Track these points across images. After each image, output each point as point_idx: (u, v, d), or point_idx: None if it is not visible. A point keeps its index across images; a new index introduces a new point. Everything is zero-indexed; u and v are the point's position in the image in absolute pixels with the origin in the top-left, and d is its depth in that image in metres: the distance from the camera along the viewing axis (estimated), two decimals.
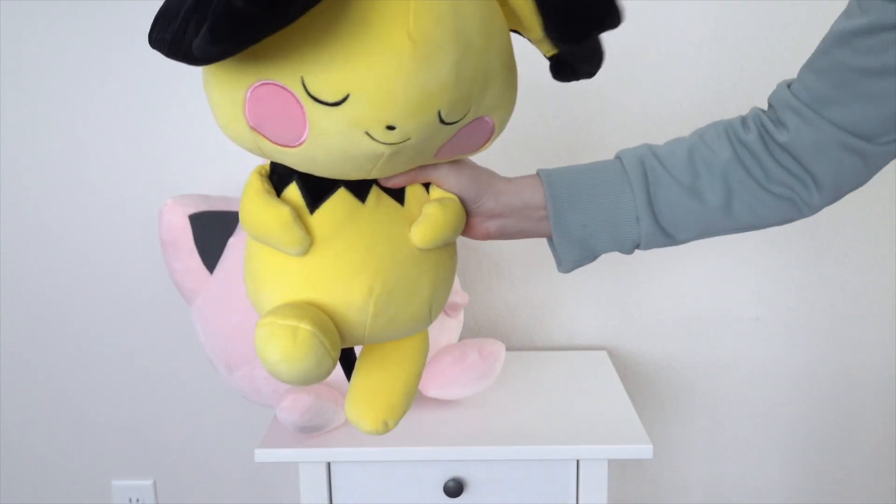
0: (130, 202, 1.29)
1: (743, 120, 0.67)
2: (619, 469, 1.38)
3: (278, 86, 0.52)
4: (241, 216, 0.60)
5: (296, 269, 0.59)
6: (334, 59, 0.50)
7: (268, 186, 0.60)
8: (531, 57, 0.66)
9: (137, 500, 1.41)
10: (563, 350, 1.31)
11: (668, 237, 0.68)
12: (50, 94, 1.25)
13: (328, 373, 0.57)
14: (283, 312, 0.55)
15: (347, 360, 0.70)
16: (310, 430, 0.95)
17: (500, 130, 0.63)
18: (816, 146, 0.62)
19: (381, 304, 0.59)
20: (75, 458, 1.41)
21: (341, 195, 0.59)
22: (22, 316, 1.34)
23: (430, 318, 0.64)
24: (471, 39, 0.53)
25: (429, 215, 0.61)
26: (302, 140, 0.54)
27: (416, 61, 0.50)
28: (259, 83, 0.53)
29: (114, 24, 1.22)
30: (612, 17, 0.55)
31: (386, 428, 0.64)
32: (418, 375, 0.67)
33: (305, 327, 0.54)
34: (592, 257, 0.69)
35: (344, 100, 0.51)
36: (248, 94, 0.53)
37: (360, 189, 0.60)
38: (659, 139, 0.72)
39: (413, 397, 0.66)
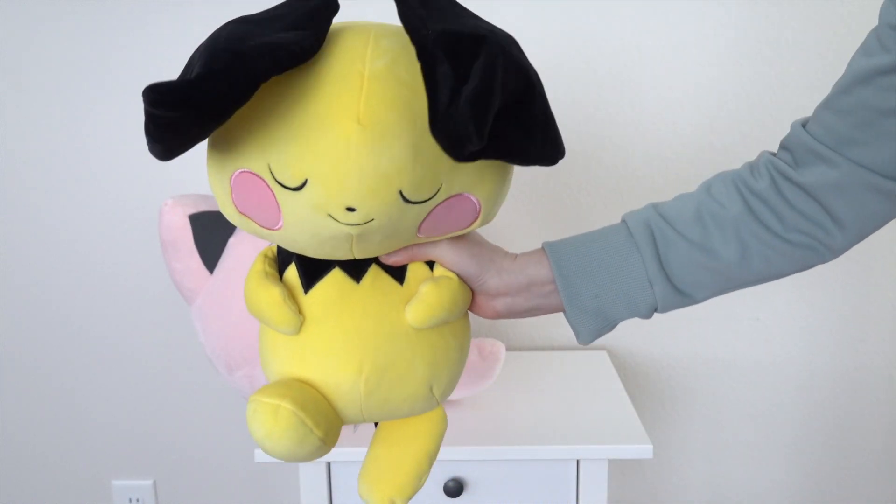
0: (130, 202, 1.29)
1: (752, 167, 0.64)
2: (619, 469, 1.38)
3: (252, 173, 0.55)
4: (244, 300, 0.63)
5: (289, 348, 0.61)
6: (292, 146, 0.53)
7: (268, 268, 0.62)
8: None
9: (137, 500, 1.41)
10: (563, 350, 1.31)
11: (686, 297, 0.66)
12: (50, 94, 1.25)
13: (317, 451, 0.59)
14: (268, 391, 0.58)
15: None
16: None
17: (491, 207, 0.62)
18: (839, 187, 0.59)
19: (372, 384, 0.60)
20: (75, 458, 1.41)
21: (335, 276, 0.61)
22: (22, 316, 1.34)
23: (433, 398, 0.64)
24: (425, 116, 0.53)
25: (422, 294, 0.61)
26: (280, 224, 0.57)
27: (365, 145, 0.52)
28: (238, 171, 0.56)
29: (114, 24, 1.22)
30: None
31: None
32: (431, 456, 0.67)
33: (286, 406, 0.56)
34: (611, 326, 0.67)
35: (304, 184, 0.53)
36: (231, 182, 0.57)
37: (356, 268, 0.61)
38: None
39: (424, 477, 0.66)
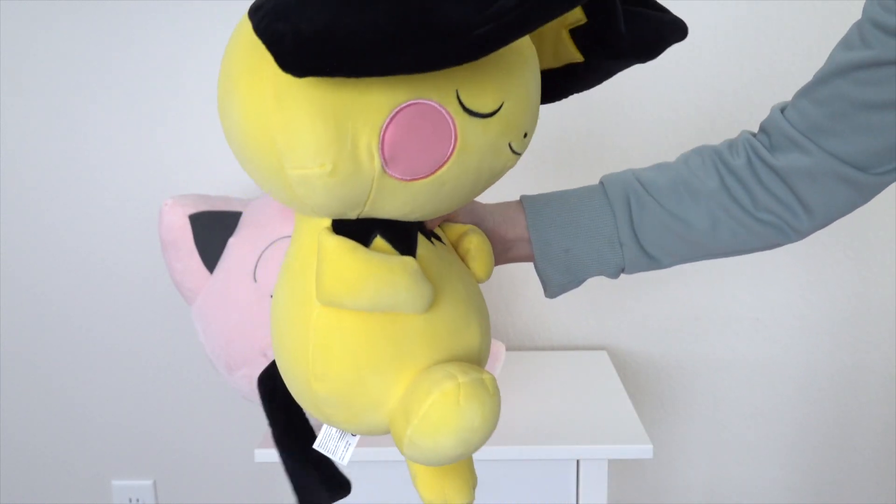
0: (130, 202, 1.29)
1: (731, 144, 0.66)
2: (619, 469, 1.38)
3: (428, 104, 0.47)
4: (336, 285, 0.50)
5: (417, 329, 0.52)
6: (491, 71, 0.49)
7: (352, 244, 0.51)
8: None
9: (137, 500, 1.41)
10: (563, 350, 1.31)
11: (653, 261, 0.68)
12: (50, 94, 1.25)
13: (492, 426, 0.56)
14: (458, 369, 0.50)
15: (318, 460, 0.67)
16: None
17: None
18: (810, 174, 0.61)
19: (486, 342, 0.58)
20: (75, 458, 1.41)
21: (422, 242, 0.55)
22: (22, 316, 1.34)
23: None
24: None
25: (479, 250, 0.60)
26: (441, 164, 0.49)
27: (538, 76, 0.53)
28: (405, 104, 0.46)
29: (114, 24, 1.22)
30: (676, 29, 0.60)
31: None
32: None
33: (489, 376, 0.51)
34: (578, 282, 0.69)
35: (499, 109, 0.49)
36: (389, 120, 0.46)
37: (421, 231, 0.56)
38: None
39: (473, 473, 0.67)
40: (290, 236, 1.06)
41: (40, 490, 1.42)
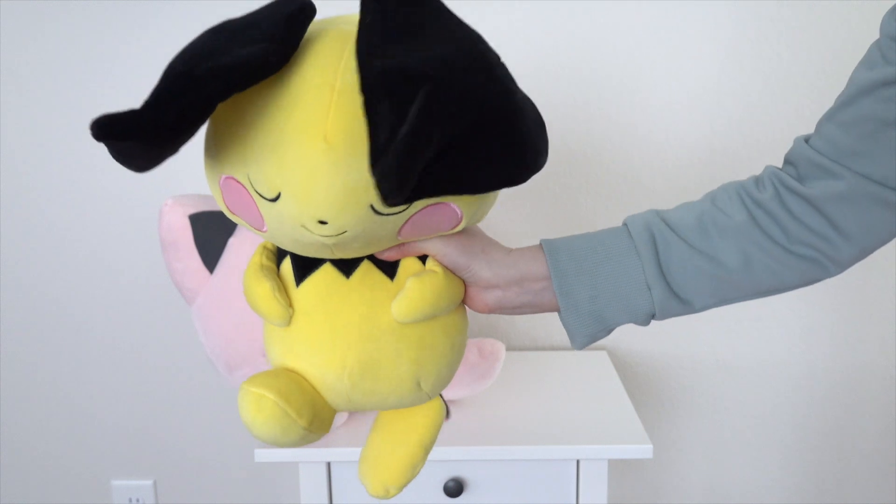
0: (130, 202, 1.29)
1: (756, 179, 0.63)
2: (619, 469, 1.38)
3: (235, 180, 0.57)
4: (244, 292, 0.65)
5: (281, 339, 0.63)
6: (266, 160, 0.54)
7: (266, 261, 0.64)
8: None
9: (137, 500, 1.41)
10: (563, 350, 1.31)
11: (684, 304, 0.65)
12: (50, 93, 1.25)
13: (303, 438, 0.62)
14: (256, 380, 0.61)
15: None
16: None
17: (474, 212, 0.61)
18: (844, 199, 0.59)
19: (356, 377, 0.61)
20: (75, 458, 1.41)
21: (326, 270, 0.62)
22: (22, 316, 1.35)
23: (421, 392, 0.64)
24: None
25: (406, 290, 0.61)
26: (265, 228, 0.58)
27: (331, 163, 0.52)
28: (224, 177, 0.58)
29: (114, 24, 1.22)
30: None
31: (386, 494, 0.66)
32: (426, 447, 0.67)
33: (270, 397, 0.59)
34: (607, 331, 0.65)
35: (278, 197, 0.54)
36: (220, 185, 0.59)
37: (347, 264, 0.62)
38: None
39: (419, 467, 0.67)
40: None
41: (40, 490, 1.42)
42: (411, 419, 0.68)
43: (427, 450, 0.68)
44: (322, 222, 0.54)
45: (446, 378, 0.67)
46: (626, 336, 1.31)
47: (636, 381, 1.33)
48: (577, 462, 0.98)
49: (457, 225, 0.61)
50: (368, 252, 0.61)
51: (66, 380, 1.37)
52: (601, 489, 0.98)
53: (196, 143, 1.29)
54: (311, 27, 0.56)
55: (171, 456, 1.40)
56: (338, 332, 0.61)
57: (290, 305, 0.62)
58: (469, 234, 0.64)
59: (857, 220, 0.59)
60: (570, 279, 0.63)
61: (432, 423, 0.68)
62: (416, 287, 0.61)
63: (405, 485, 0.67)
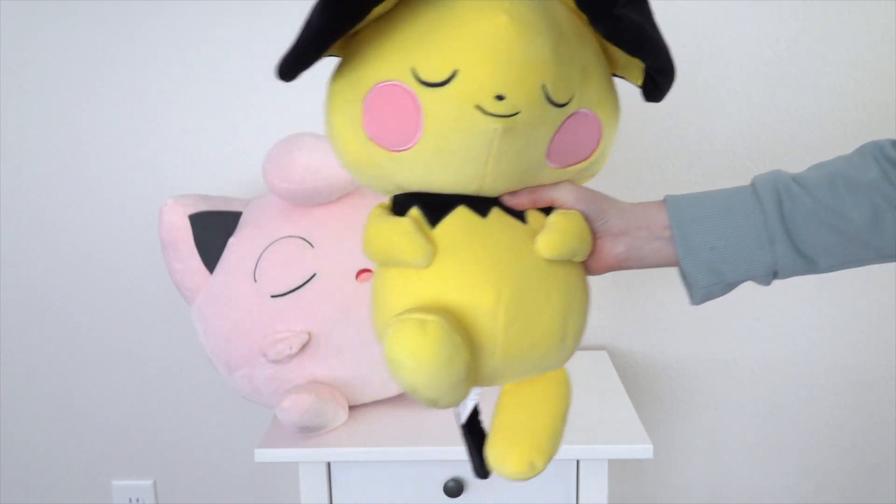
0: (130, 202, 1.29)
1: (893, 140, 0.62)
2: (619, 469, 1.38)
3: (391, 84, 0.55)
4: (364, 245, 0.61)
5: (421, 280, 0.57)
6: (439, 40, 0.54)
7: (386, 212, 0.62)
8: None
9: (137, 500, 1.41)
10: None
11: (808, 262, 0.63)
12: (50, 93, 1.25)
13: (461, 381, 0.54)
14: (410, 311, 0.54)
15: (473, 431, 0.67)
16: (310, 430, 0.95)
17: (609, 136, 0.63)
18: None
19: (512, 312, 0.57)
20: (75, 458, 1.41)
21: (461, 211, 0.59)
22: (22, 316, 1.35)
23: (565, 342, 0.63)
24: (564, 31, 0.56)
25: (553, 223, 0.60)
26: (417, 137, 0.56)
27: (516, 34, 0.52)
28: (374, 87, 0.56)
29: (114, 24, 1.22)
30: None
31: (533, 470, 0.59)
32: (563, 417, 0.64)
33: (434, 319, 0.52)
34: (725, 285, 0.64)
35: (452, 77, 0.53)
36: (365, 104, 0.57)
37: (480, 206, 0.60)
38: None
39: (560, 439, 0.63)
40: (289, 236, 1.07)
41: (40, 490, 1.42)
42: (542, 390, 0.65)
43: (565, 420, 0.65)
44: (499, 98, 0.53)
45: (584, 326, 0.65)
46: (626, 336, 1.31)
47: (636, 381, 1.33)
48: (577, 462, 0.98)
49: (594, 150, 0.62)
50: (516, 174, 0.59)
51: (66, 380, 1.37)
52: (601, 489, 0.98)
53: (194, 144, 1.29)
54: None
55: (171, 456, 1.40)
56: (490, 265, 0.57)
57: (431, 242, 0.57)
58: (593, 190, 0.65)
59: None
60: (691, 228, 0.62)
61: (565, 390, 0.67)
62: (561, 222, 0.61)
63: (552, 457, 0.62)
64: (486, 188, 0.59)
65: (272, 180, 0.98)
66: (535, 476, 0.59)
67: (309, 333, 0.96)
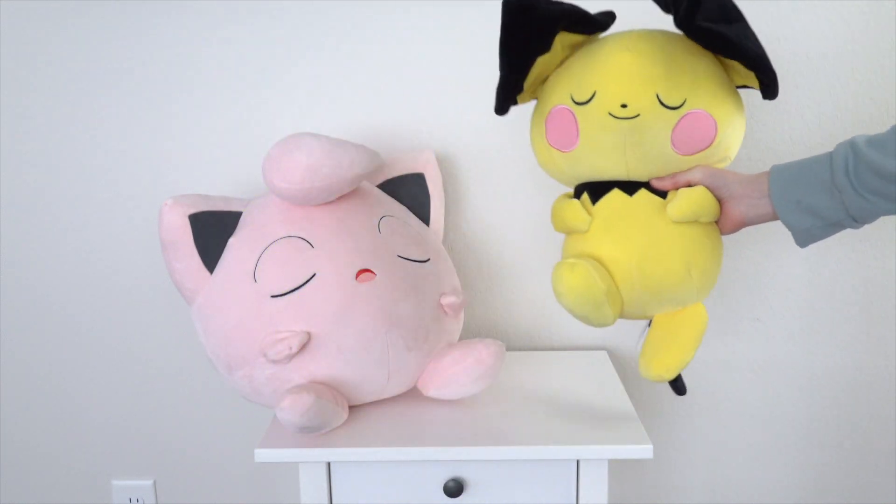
0: (130, 202, 1.29)
1: None
2: (619, 469, 1.38)
3: (559, 108, 0.89)
4: (552, 220, 0.97)
5: (584, 239, 0.91)
6: (587, 75, 0.87)
7: (568, 196, 0.95)
8: None
9: (137, 500, 1.41)
10: (563, 350, 1.31)
11: (874, 204, 0.78)
12: (49, 93, 1.25)
13: (600, 304, 0.85)
14: (567, 258, 0.88)
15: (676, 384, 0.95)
16: (310, 430, 0.95)
17: (727, 129, 0.87)
18: None
19: (642, 260, 0.87)
20: (75, 458, 1.41)
21: (614, 193, 0.90)
22: (22, 316, 1.35)
23: (690, 278, 0.88)
24: (675, 53, 0.85)
25: (678, 195, 0.87)
26: (577, 141, 0.88)
27: (633, 61, 0.84)
28: (551, 110, 0.90)
29: (114, 24, 1.22)
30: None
31: (661, 378, 0.89)
32: (696, 342, 0.89)
33: (579, 262, 0.85)
34: (825, 225, 0.82)
35: (592, 96, 0.86)
36: (546, 123, 0.91)
37: (630, 188, 0.89)
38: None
39: (688, 359, 0.89)
40: (289, 236, 1.08)
41: (40, 490, 1.43)
42: (681, 321, 0.90)
43: (696, 345, 0.89)
44: (623, 106, 0.84)
45: (711, 272, 0.90)
46: (626, 336, 1.31)
47: (636, 381, 1.33)
48: (577, 462, 0.98)
49: (714, 138, 0.86)
50: (651, 163, 0.87)
51: (66, 380, 1.37)
52: (601, 489, 0.98)
53: (194, 144, 1.29)
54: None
55: (171, 456, 1.40)
56: (628, 230, 0.88)
57: (591, 215, 0.90)
58: (718, 169, 0.89)
59: None
60: (782, 188, 0.83)
61: (700, 323, 0.90)
62: (685, 193, 0.87)
63: (677, 373, 0.89)
64: (632, 173, 0.88)
65: (272, 180, 0.99)
66: (663, 381, 0.91)
67: (309, 333, 0.96)
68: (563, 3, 0.87)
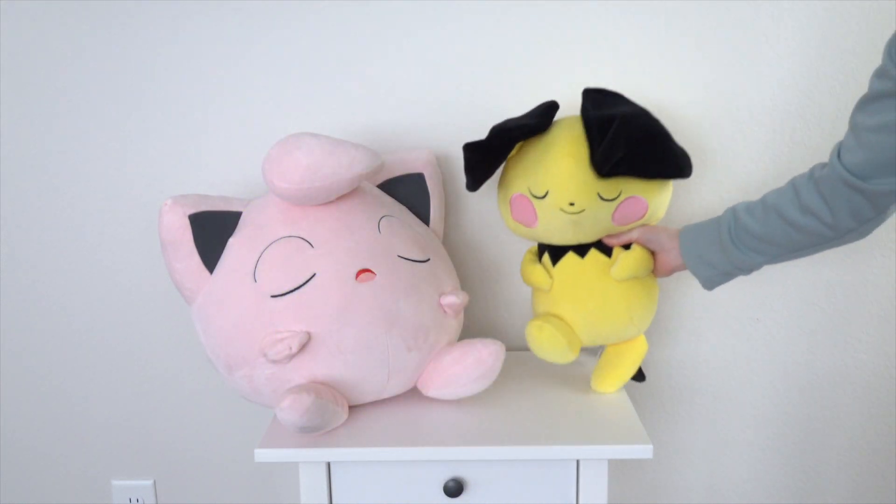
0: (130, 202, 1.29)
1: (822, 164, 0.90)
2: (619, 469, 1.38)
3: (519, 195, 1.07)
4: (521, 275, 1.16)
5: (547, 297, 1.11)
6: (542, 173, 1.04)
7: (533, 257, 1.14)
8: None
9: (137, 500, 1.41)
10: None
11: (753, 260, 0.97)
12: (50, 93, 1.25)
13: (564, 353, 1.08)
14: (538, 317, 1.11)
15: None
16: (310, 430, 0.95)
17: (656, 207, 1.07)
18: (832, 185, 0.85)
19: (593, 315, 1.08)
20: (75, 458, 1.41)
21: (570, 255, 1.09)
22: (22, 316, 1.35)
23: (633, 324, 1.10)
24: None
25: (620, 259, 1.07)
26: (536, 222, 1.07)
27: (575, 168, 1.03)
28: (513, 195, 1.08)
29: (114, 25, 1.22)
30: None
31: (606, 392, 1.11)
32: (634, 365, 1.12)
33: (545, 324, 1.07)
34: (720, 274, 1.01)
35: (546, 194, 1.04)
36: (511, 202, 1.09)
37: (581, 251, 1.08)
38: None
39: (629, 376, 1.12)
40: (289, 236, 1.08)
41: (40, 490, 1.43)
42: (626, 352, 1.11)
43: (635, 368, 1.12)
44: (571, 204, 1.03)
45: (648, 314, 1.11)
46: None
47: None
48: (577, 462, 0.98)
49: (645, 214, 1.06)
50: (597, 235, 1.07)
51: (66, 380, 1.37)
52: (601, 489, 0.98)
53: (194, 144, 1.29)
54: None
55: (171, 456, 1.40)
56: (581, 289, 1.08)
57: (552, 277, 1.10)
58: (657, 227, 1.07)
59: (840, 201, 0.87)
60: (688, 245, 1.02)
61: (641, 352, 1.12)
62: (625, 257, 1.07)
63: (620, 387, 1.11)
64: (582, 240, 1.07)
65: (272, 180, 0.98)
66: (608, 393, 1.11)
67: (309, 333, 0.96)
68: (511, 129, 1.04)
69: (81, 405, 1.38)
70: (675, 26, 1.19)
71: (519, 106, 1.21)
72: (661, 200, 1.07)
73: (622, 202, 1.03)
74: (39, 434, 1.40)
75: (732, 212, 0.97)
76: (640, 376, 1.17)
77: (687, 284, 1.29)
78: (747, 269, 0.99)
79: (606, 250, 1.08)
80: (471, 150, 1.05)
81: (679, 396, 1.34)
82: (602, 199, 1.02)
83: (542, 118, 1.05)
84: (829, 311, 1.29)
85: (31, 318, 1.35)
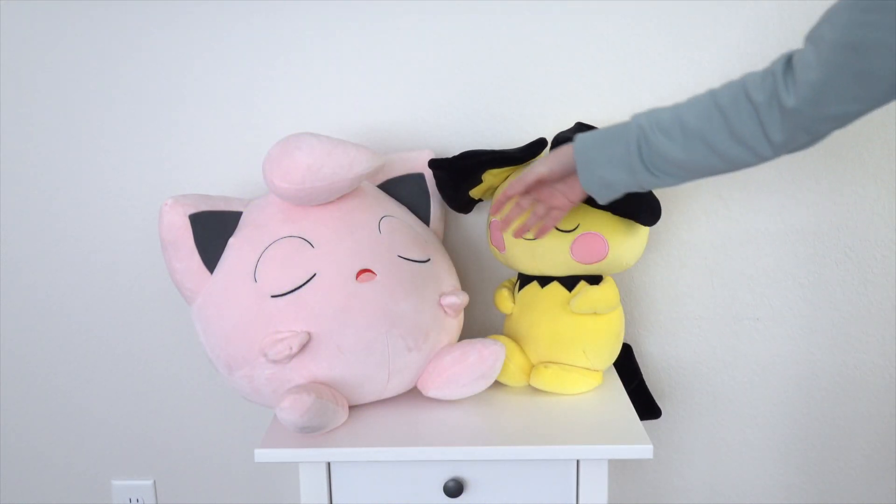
0: (131, 202, 1.29)
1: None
2: (619, 469, 1.38)
3: (496, 221, 1.12)
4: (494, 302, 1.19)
5: (510, 321, 1.16)
6: (508, 204, 1.06)
7: (508, 283, 1.19)
8: None
9: (137, 500, 1.41)
10: None
11: (661, 180, 0.86)
12: (51, 93, 1.25)
13: (518, 374, 1.11)
14: (500, 341, 1.11)
15: (640, 396, 1.23)
16: (310, 430, 0.95)
17: (618, 246, 1.06)
18: (769, 109, 0.76)
19: (547, 343, 1.10)
20: (75, 458, 1.41)
21: (532, 284, 1.12)
22: (22, 316, 1.35)
23: (586, 359, 1.10)
24: None
25: (580, 292, 1.08)
26: (504, 249, 1.11)
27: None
28: (492, 221, 1.13)
29: (115, 25, 1.22)
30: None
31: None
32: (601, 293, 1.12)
33: (496, 346, 1.05)
34: (625, 192, 0.89)
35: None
36: (490, 228, 1.14)
37: (544, 281, 1.11)
38: None
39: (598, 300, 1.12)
40: (290, 236, 1.08)
41: (40, 490, 1.43)
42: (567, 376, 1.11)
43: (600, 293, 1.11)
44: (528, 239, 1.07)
45: (603, 352, 1.11)
46: (627, 336, 1.31)
47: None
48: (577, 462, 0.98)
49: (606, 254, 1.06)
50: (556, 267, 1.08)
51: (66, 380, 1.37)
52: (601, 489, 0.98)
53: (194, 144, 1.29)
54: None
55: (171, 456, 1.40)
56: (535, 314, 1.11)
57: (514, 303, 1.15)
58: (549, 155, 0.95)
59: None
60: (586, 165, 0.89)
61: (591, 384, 1.13)
62: (586, 290, 1.08)
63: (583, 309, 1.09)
64: (544, 272, 1.10)
65: (272, 180, 0.99)
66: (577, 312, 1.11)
67: (309, 333, 0.96)
68: (481, 156, 1.05)
69: (81, 405, 1.38)
70: (675, 26, 1.20)
71: (519, 106, 1.21)
72: (626, 244, 1.07)
73: (579, 236, 1.04)
74: (39, 434, 1.40)
75: (640, 129, 0.84)
76: (655, 412, 1.22)
77: (687, 284, 1.29)
78: (649, 188, 0.89)
79: (569, 286, 1.09)
80: (434, 165, 1.08)
81: (679, 396, 1.34)
82: (558, 229, 1.04)
83: (521, 151, 1.06)
84: (829, 310, 1.29)
85: (30, 318, 1.35)
